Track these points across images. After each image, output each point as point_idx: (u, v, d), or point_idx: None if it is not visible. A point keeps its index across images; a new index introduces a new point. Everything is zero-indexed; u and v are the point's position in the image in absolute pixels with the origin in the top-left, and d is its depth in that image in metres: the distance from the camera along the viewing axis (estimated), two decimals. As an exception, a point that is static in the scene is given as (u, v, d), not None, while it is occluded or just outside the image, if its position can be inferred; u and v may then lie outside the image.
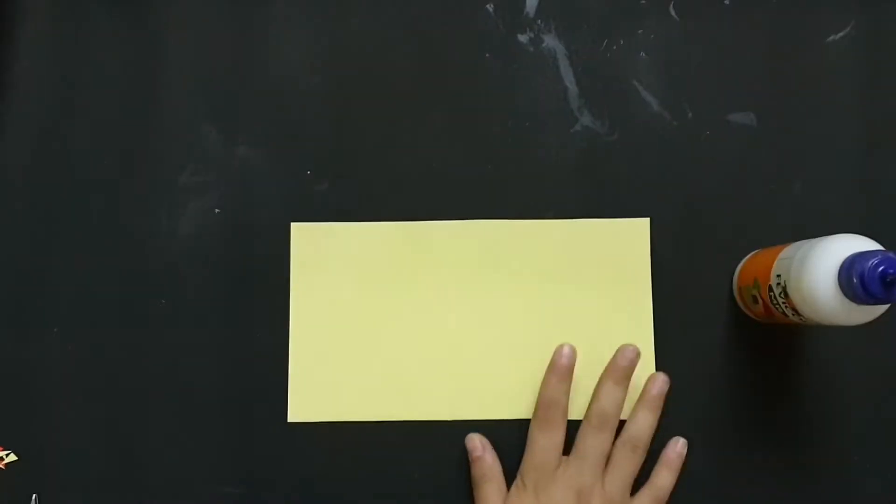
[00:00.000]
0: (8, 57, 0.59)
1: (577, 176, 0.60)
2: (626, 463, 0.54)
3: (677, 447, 0.56)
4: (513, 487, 0.55)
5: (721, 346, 0.59)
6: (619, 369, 0.55)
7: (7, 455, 0.57)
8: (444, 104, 0.60)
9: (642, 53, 0.60)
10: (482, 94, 0.60)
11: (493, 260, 0.59)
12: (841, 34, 0.61)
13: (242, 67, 0.60)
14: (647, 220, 0.59)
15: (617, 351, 0.56)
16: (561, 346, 0.56)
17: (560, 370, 0.56)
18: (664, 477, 0.55)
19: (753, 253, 0.57)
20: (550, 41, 0.60)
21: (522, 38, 0.60)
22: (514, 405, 0.58)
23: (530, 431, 0.55)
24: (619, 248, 0.59)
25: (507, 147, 0.60)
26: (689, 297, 0.59)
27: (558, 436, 0.55)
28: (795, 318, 0.50)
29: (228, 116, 0.60)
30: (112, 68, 0.60)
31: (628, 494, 0.54)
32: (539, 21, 0.60)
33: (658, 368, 0.58)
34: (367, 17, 0.60)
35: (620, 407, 0.55)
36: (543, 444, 0.54)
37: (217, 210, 0.59)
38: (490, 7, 0.60)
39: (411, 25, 0.60)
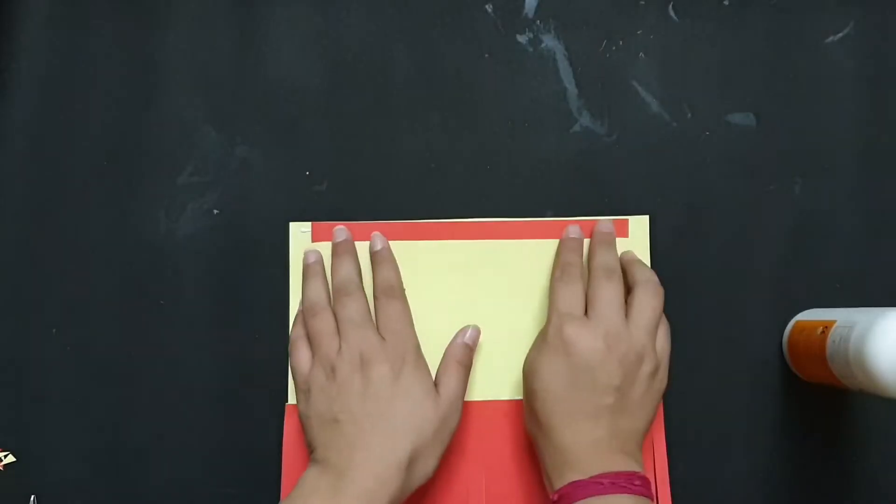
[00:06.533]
0: (8, 57, 0.60)
1: (577, 177, 0.60)
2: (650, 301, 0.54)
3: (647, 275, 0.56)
4: (539, 336, 0.55)
5: (720, 345, 0.58)
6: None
7: (6, 456, 0.57)
8: (444, 104, 0.60)
9: (641, 54, 0.60)
10: (482, 95, 0.60)
11: (492, 257, 0.59)
12: (841, 34, 0.61)
13: (242, 67, 0.60)
14: (647, 217, 0.59)
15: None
16: (568, 226, 0.58)
17: (572, 241, 0.58)
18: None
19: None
20: (550, 42, 0.60)
21: (521, 38, 0.61)
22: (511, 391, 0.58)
23: (553, 290, 0.55)
24: (620, 245, 0.59)
25: (507, 147, 0.60)
26: (688, 297, 0.59)
27: (580, 289, 0.55)
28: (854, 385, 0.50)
29: (228, 116, 0.60)
30: (112, 68, 0.60)
31: (623, 316, 0.54)
32: (538, 21, 0.61)
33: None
34: (367, 17, 0.60)
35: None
36: (566, 294, 0.54)
37: (216, 210, 0.59)
38: (489, 7, 0.61)
39: (411, 26, 0.60)
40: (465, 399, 0.56)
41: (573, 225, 0.58)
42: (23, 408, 0.58)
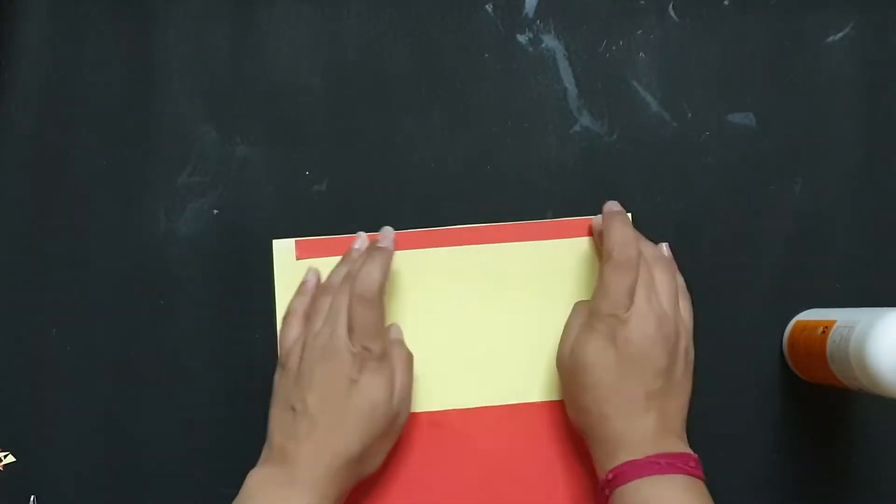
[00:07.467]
0: (8, 57, 0.60)
1: (577, 176, 0.60)
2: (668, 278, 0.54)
3: (663, 250, 0.57)
4: (584, 328, 0.53)
5: (720, 345, 0.58)
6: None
7: (6, 456, 0.57)
8: (444, 104, 0.60)
9: (641, 54, 0.60)
10: (482, 95, 0.60)
11: (494, 262, 0.59)
12: (841, 34, 0.61)
13: (242, 67, 0.60)
14: (629, 215, 0.58)
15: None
16: (608, 202, 0.57)
17: (620, 215, 0.55)
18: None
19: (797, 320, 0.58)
20: (550, 41, 0.60)
21: (522, 38, 0.60)
22: (510, 395, 0.58)
23: (604, 275, 0.53)
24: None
25: (507, 147, 0.60)
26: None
27: (632, 277, 0.53)
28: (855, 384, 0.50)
29: (227, 116, 0.60)
30: (112, 69, 0.60)
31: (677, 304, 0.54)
32: (538, 21, 0.60)
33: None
34: (367, 17, 0.60)
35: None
36: (617, 286, 0.52)
37: (216, 211, 0.59)
38: (489, 7, 0.61)
39: (410, 26, 0.60)
40: (468, 406, 0.58)
41: (612, 202, 0.57)
42: (23, 408, 0.58)
